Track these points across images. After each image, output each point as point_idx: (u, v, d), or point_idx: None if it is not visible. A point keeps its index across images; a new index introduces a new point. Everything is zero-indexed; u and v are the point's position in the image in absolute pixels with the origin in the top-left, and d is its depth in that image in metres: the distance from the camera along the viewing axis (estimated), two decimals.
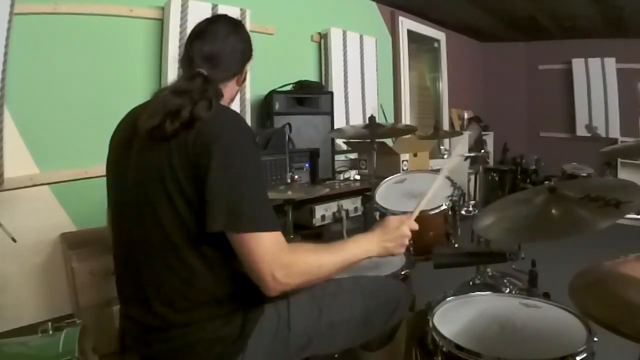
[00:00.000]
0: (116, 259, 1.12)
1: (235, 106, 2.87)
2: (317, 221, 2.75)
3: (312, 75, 3.54)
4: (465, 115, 5.56)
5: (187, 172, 0.95)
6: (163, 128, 0.96)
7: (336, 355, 1.35)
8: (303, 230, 2.67)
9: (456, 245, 1.78)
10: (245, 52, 1.19)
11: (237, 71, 1.18)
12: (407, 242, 1.20)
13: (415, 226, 1.23)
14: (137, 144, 1.04)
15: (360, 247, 1.12)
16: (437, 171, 1.84)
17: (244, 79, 1.23)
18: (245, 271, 0.96)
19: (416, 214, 1.26)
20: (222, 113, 1.04)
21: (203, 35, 1.13)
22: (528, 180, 5.19)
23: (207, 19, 1.17)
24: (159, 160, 0.97)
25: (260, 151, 1.15)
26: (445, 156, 4.35)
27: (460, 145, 4.40)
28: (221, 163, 0.94)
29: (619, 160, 5.00)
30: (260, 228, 0.93)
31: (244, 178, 0.95)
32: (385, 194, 1.92)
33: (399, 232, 1.18)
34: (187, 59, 1.11)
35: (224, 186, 0.93)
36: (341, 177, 3.27)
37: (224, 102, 1.15)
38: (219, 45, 1.12)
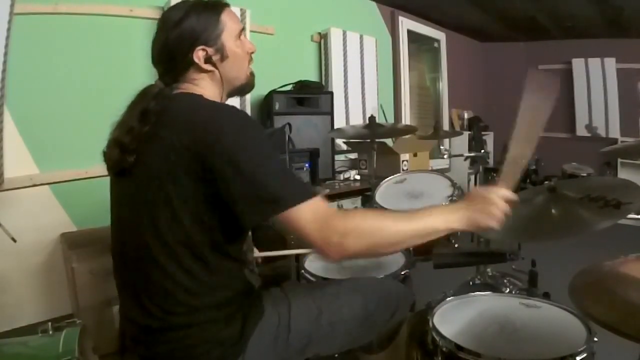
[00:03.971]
0: (114, 259, 1.12)
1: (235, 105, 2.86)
2: None
3: (312, 75, 3.54)
4: (465, 115, 5.57)
5: (191, 173, 0.93)
6: (122, 163, 0.99)
7: (336, 355, 1.34)
8: None
9: (456, 245, 1.78)
10: (194, 30, 1.03)
11: (186, 54, 1.04)
12: (499, 213, 1.00)
13: (510, 195, 1.03)
14: None
15: (440, 217, 0.98)
16: (437, 171, 1.83)
17: (226, 55, 1.08)
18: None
19: (509, 178, 1.06)
20: (217, 110, 1.01)
21: (156, 31, 1.08)
22: (528, 180, 5.18)
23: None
24: (157, 161, 0.96)
25: (264, 129, 1.12)
26: (445, 156, 4.34)
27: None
28: (233, 157, 0.90)
29: (619, 160, 5.00)
30: (294, 203, 0.89)
31: (260, 162, 0.92)
32: (385, 194, 1.92)
33: (487, 200, 1.01)
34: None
35: (244, 179, 0.90)
36: (341, 177, 3.27)
37: (214, 91, 1.10)
38: (165, 39, 1.06)
